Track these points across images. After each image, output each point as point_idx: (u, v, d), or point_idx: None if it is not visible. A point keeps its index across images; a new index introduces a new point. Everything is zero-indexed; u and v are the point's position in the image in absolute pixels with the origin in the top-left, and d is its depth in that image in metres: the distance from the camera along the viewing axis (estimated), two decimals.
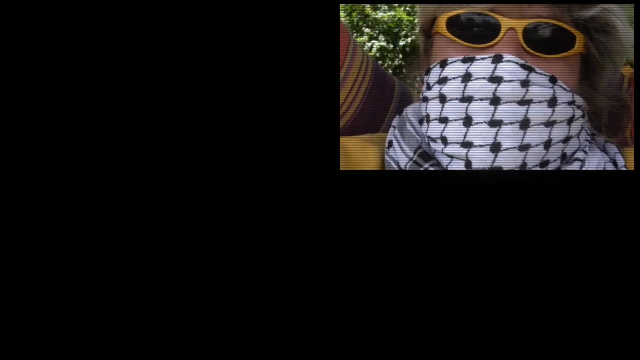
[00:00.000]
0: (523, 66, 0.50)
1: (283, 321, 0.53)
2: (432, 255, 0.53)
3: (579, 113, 0.53)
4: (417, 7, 0.60)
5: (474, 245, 0.52)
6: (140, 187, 0.53)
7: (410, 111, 0.60)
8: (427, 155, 0.54)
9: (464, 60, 0.51)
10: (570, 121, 0.52)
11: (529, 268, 0.52)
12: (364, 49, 0.69)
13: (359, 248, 0.53)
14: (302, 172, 0.53)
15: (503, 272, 0.52)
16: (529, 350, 0.52)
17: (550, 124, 0.51)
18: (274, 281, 0.53)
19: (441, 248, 0.53)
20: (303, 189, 0.53)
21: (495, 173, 0.49)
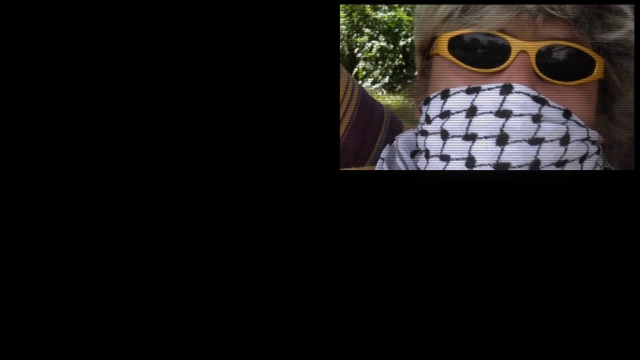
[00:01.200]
0: (535, 98, 0.44)
1: (282, 319, 0.53)
2: (430, 254, 0.53)
3: (592, 149, 0.48)
4: (415, 24, 0.55)
5: (473, 245, 0.52)
6: (141, 185, 0.53)
7: (400, 142, 0.56)
8: None
9: (468, 91, 0.46)
10: (582, 159, 0.47)
11: (529, 268, 0.52)
12: (350, 75, 0.65)
13: (358, 246, 0.53)
14: (302, 171, 0.53)
15: (502, 272, 0.52)
16: (525, 351, 0.52)
17: (561, 163, 0.46)
18: (273, 278, 0.53)
19: (440, 248, 0.53)
20: (303, 188, 0.53)
21: (494, 173, 0.49)
